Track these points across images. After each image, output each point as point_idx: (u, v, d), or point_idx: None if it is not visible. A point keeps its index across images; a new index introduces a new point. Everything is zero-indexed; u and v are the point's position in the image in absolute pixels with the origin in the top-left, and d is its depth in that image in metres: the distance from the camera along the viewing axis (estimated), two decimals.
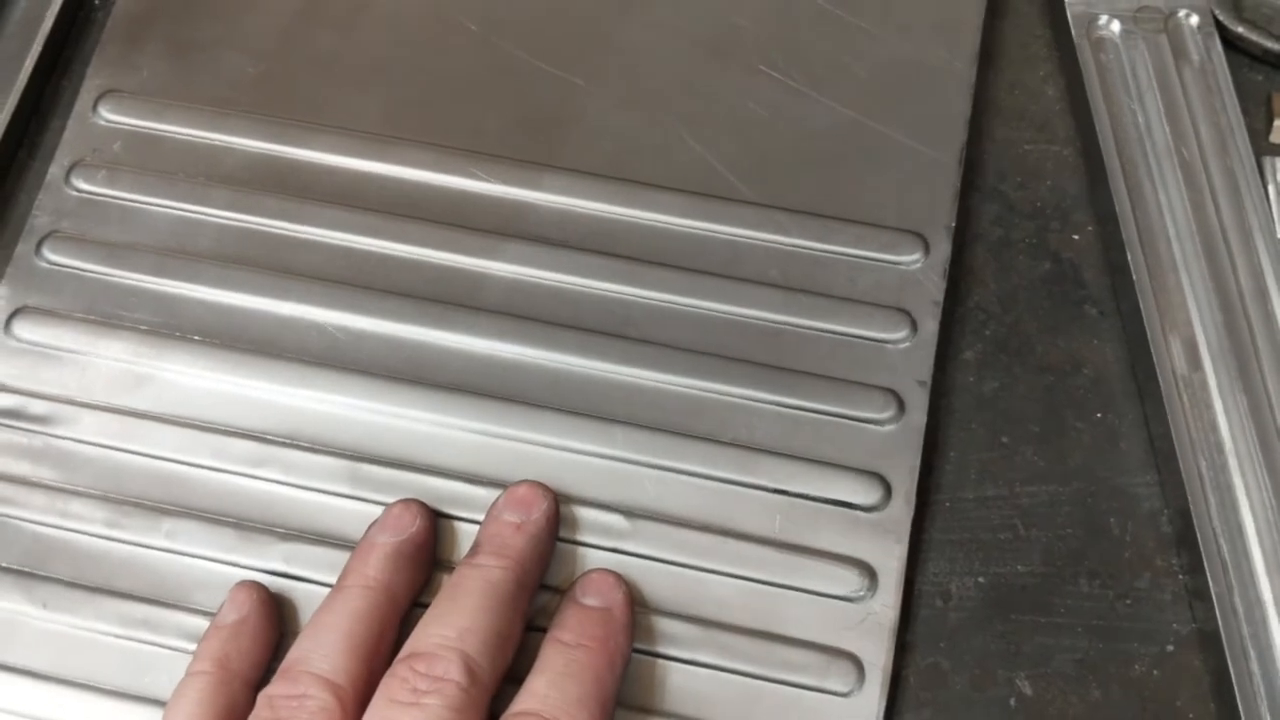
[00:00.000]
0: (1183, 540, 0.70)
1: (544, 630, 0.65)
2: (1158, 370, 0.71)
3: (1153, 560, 0.71)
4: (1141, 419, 0.73)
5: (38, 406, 0.72)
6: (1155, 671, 0.68)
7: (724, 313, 0.73)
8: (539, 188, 0.76)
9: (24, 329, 0.73)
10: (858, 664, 0.66)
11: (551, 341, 0.72)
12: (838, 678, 0.66)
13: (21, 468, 0.70)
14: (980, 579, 0.70)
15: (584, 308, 0.73)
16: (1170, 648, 0.69)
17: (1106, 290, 0.76)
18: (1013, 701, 0.68)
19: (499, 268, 0.74)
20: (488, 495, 0.69)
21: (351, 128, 0.77)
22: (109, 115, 0.78)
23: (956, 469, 0.72)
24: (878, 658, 0.66)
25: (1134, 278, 0.73)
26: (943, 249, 0.73)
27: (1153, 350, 0.72)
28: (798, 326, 0.72)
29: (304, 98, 0.78)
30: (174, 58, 0.80)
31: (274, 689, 0.60)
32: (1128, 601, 0.70)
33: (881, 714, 0.65)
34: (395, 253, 0.74)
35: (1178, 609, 0.69)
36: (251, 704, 0.60)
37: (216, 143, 0.77)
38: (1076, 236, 0.77)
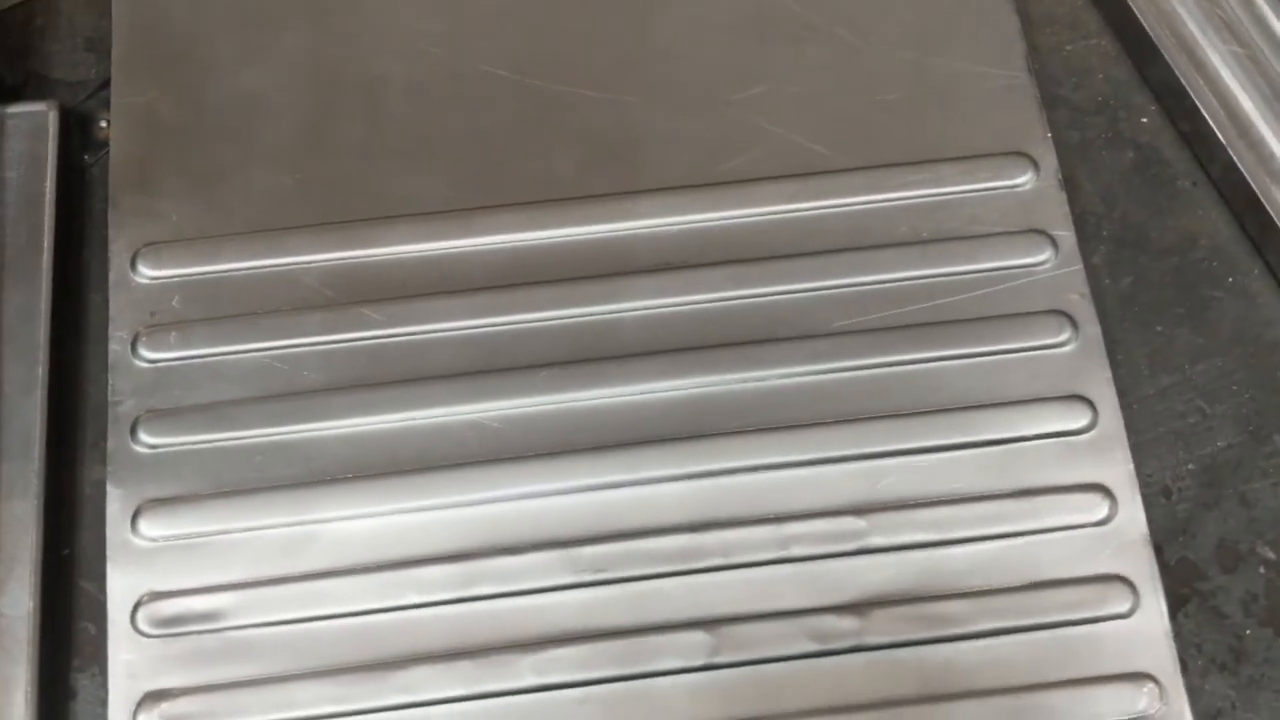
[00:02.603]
0: None
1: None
2: (1276, 219, 0.73)
3: None
4: (1266, 270, 0.75)
5: (200, 604, 0.64)
6: None
7: (870, 283, 0.71)
8: (635, 216, 0.72)
9: (153, 526, 0.65)
10: (1128, 582, 0.66)
11: (711, 365, 0.69)
12: (1115, 601, 0.65)
13: (211, 674, 0.63)
14: (1190, 466, 0.71)
15: (730, 322, 0.70)
16: None
17: (1189, 161, 0.78)
18: (1262, 569, 0.69)
19: (629, 308, 0.70)
20: (715, 540, 0.65)
21: (422, 210, 0.72)
22: (152, 273, 0.70)
23: (1128, 370, 0.73)
24: (1143, 569, 0.66)
25: (1221, 139, 0.75)
26: (1050, 161, 0.73)
27: (1264, 202, 0.74)
28: (946, 275, 0.71)
29: (358, 193, 0.72)
30: (199, 192, 0.72)
31: None
32: None
33: (1168, 619, 0.65)
34: (520, 325, 0.70)
35: None
36: None
37: (284, 267, 0.70)
38: (1144, 119, 0.79)
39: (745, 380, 0.69)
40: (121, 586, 0.64)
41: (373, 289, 0.70)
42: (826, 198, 0.72)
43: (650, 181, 0.73)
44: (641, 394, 0.68)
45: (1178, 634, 0.67)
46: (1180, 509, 0.70)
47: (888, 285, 0.71)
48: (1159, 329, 0.74)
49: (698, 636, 0.64)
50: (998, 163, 0.73)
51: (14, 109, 0.72)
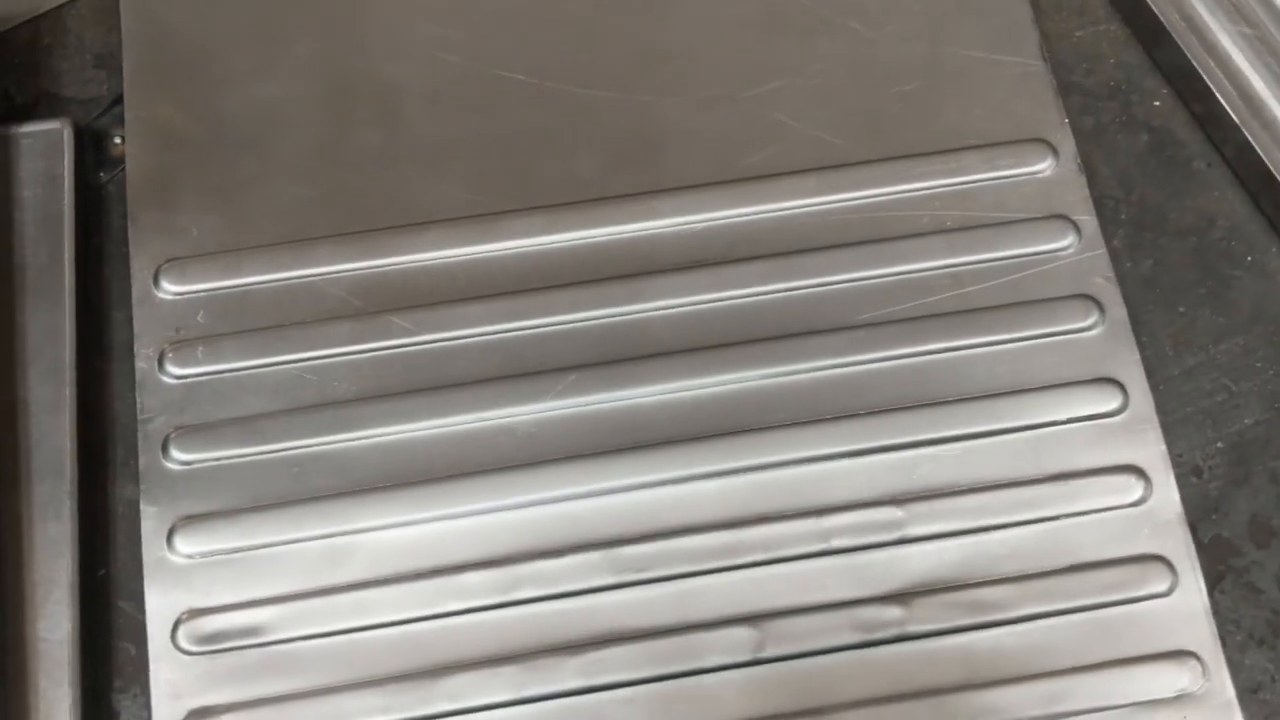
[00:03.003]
0: None
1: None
2: None
3: None
4: None
5: (241, 619, 0.64)
6: None
7: (897, 274, 0.71)
8: (658, 215, 0.72)
9: (188, 543, 0.65)
10: (1165, 561, 0.66)
11: (740, 361, 0.69)
12: (1155, 580, 0.66)
13: (255, 689, 0.62)
14: (1219, 444, 0.72)
15: (758, 317, 0.70)
16: None
17: (1203, 142, 0.78)
18: None
19: (655, 307, 0.70)
20: (756, 536, 0.65)
21: (444, 216, 0.71)
22: (175, 288, 0.70)
23: (1153, 352, 0.73)
24: (1180, 547, 0.66)
25: (1235, 119, 0.75)
26: (1069, 147, 0.74)
27: (1279, 180, 0.74)
28: (971, 264, 0.71)
29: (379, 202, 0.72)
30: (219, 205, 0.72)
31: None
32: None
33: (1206, 596, 0.66)
34: (548, 327, 0.69)
35: None
36: None
37: (309, 278, 0.70)
38: (1157, 103, 0.79)
39: (775, 375, 0.69)
40: (160, 605, 0.64)
41: (399, 297, 0.70)
42: (849, 190, 0.72)
43: (671, 180, 0.73)
44: (672, 392, 0.68)
45: (1215, 611, 0.67)
46: (1212, 487, 0.71)
47: (914, 275, 0.71)
48: (1181, 310, 0.74)
49: (742, 632, 0.64)
50: (1017, 150, 0.73)
51: (27, 128, 0.71)
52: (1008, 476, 0.67)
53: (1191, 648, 0.65)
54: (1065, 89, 0.79)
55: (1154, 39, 0.79)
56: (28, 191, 0.70)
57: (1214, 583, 0.69)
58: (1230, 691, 0.64)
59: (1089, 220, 0.72)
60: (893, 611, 0.65)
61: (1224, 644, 0.66)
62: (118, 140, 0.74)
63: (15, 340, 0.67)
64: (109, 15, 0.76)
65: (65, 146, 0.71)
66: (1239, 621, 0.69)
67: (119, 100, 0.74)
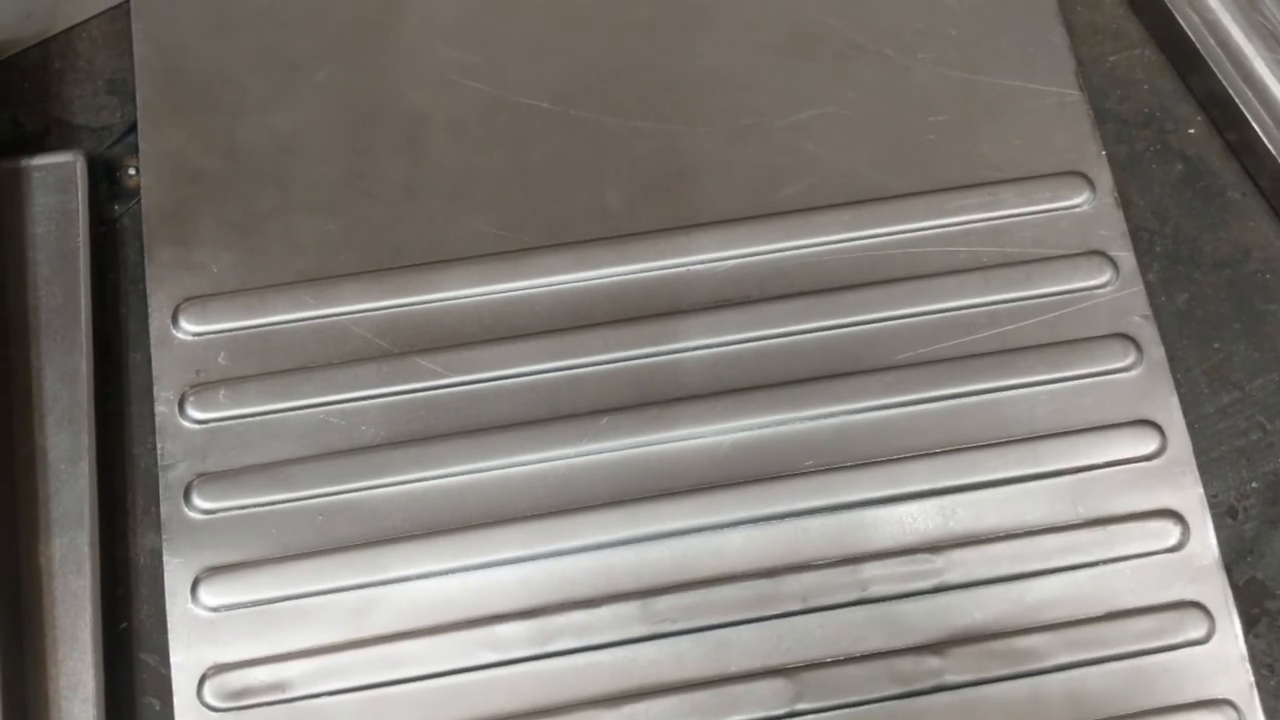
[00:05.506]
0: None
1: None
2: None
3: None
4: None
5: (262, 674, 0.62)
6: None
7: (934, 313, 0.69)
8: (690, 251, 0.70)
9: (213, 595, 0.63)
10: (1203, 608, 0.66)
11: (775, 404, 0.68)
12: (1192, 627, 0.65)
13: None
14: (1254, 484, 0.71)
15: (792, 358, 0.69)
16: None
17: (1237, 171, 0.77)
18: None
19: (689, 347, 0.69)
20: (792, 585, 0.64)
21: (472, 253, 0.70)
22: (195, 328, 0.68)
23: (1187, 389, 0.72)
24: (1218, 594, 0.66)
25: (1270, 149, 0.74)
26: (1105, 180, 0.72)
27: None
28: (1008, 301, 0.70)
29: (404, 236, 0.70)
30: (238, 240, 0.69)
31: None
32: None
33: (1244, 645, 0.65)
34: (579, 369, 0.68)
35: None
36: None
37: (334, 317, 0.68)
38: (1191, 130, 0.78)
39: (810, 418, 0.68)
40: (185, 660, 0.62)
41: (426, 337, 0.68)
42: (884, 225, 0.71)
43: (703, 214, 0.71)
44: (707, 436, 0.67)
45: (1250, 655, 0.67)
46: (1247, 528, 0.70)
47: (952, 314, 0.70)
48: (1216, 345, 0.73)
49: (778, 684, 0.63)
50: (1054, 184, 0.72)
51: (40, 160, 0.69)
52: (1045, 522, 0.66)
53: (1228, 696, 0.64)
54: (1099, 116, 0.77)
55: (1189, 65, 0.78)
56: (40, 228, 0.68)
57: (1249, 626, 0.68)
58: None
59: (1126, 256, 0.71)
60: (931, 662, 0.64)
61: (1259, 689, 0.65)
62: (132, 171, 0.72)
63: (32, 385, 0.65)
64: (120, 39, 0.74)
65: (79, 180, 0.69)
66: (1273, 666, 0.68)
67: (132, 129, 0.72)
